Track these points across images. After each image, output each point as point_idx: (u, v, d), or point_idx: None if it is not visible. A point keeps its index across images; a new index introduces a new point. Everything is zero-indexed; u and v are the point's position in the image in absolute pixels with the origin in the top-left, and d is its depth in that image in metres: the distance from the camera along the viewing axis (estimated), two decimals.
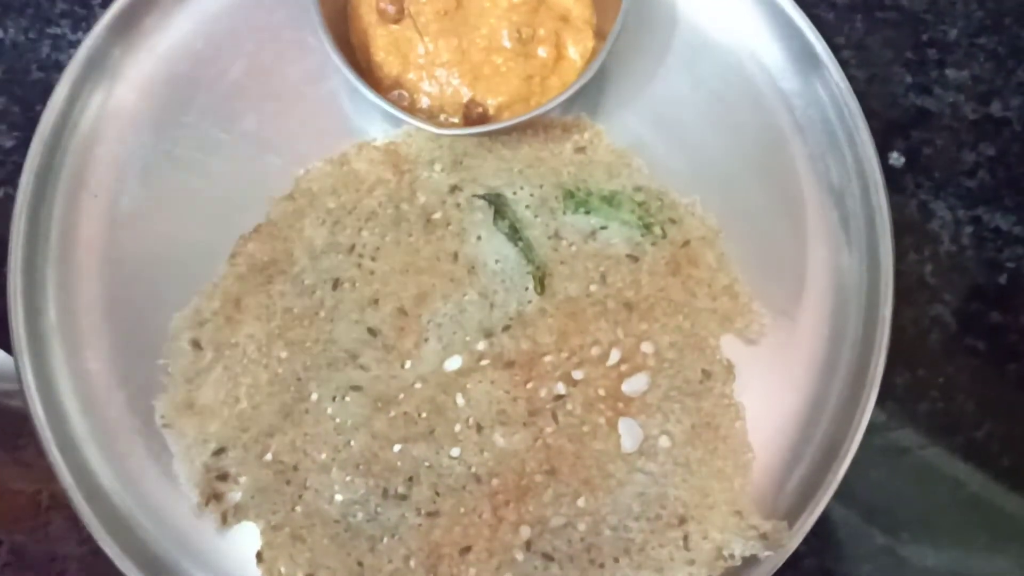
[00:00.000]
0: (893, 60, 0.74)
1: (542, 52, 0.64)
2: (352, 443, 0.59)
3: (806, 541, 0.59)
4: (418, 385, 0.60)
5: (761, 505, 0.60)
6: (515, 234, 0.63)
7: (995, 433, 0.67)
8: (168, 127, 0.66)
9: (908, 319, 0.68)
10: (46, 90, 0.64)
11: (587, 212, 0.64)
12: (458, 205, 0.64)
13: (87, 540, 0.58)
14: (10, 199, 0.62)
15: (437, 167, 0.65)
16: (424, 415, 0.60)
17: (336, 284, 0.62)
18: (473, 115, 0.64)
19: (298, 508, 0.58)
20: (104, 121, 0.65)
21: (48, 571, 0.60)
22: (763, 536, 0.58)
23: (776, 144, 0.68)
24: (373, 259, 0.63)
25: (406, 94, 0.64)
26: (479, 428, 0.59)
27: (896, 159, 0.72)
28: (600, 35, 0.65)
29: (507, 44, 0.63)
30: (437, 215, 0.64)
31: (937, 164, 0.72)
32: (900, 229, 0.65)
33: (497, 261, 0.63)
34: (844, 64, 0.67)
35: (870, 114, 0.66)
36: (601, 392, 0.60)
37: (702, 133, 0.67)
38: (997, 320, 0.69)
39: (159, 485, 0.60)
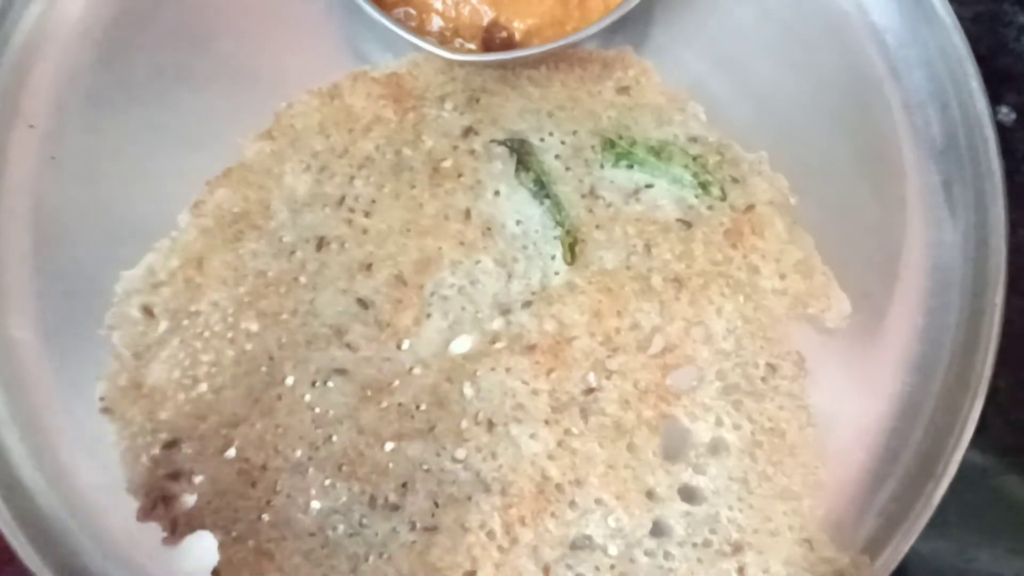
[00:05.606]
0: None
1: None
2: (334, 439, 0.56)
3: None
4: (417, 370, 0.57)
5: (836, 534, 0.57)
6: (541, 190, 0.60)
7: None
8: (122, 46, 0.62)
9: (1015, 310, 0.62)
10: None
11: (630, 166, 0.61)
12: (473, 152, 0.61)
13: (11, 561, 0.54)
14: None
15: (448, 105, 0.62)
16: (423, 407, 0.57)
17: (321, 244, 0.59)
18: (495, 41, 0.61)
19: (265, 517, 0.55)
20: (44, 36, 0.62)
21: None
22: (838, 573, 0.56)
23: (864, 90, 0.64)
24: (367, 215, 0.60)
25: (414, 12, 0.61)
26: (490, 425, 0.57)
27: (1006, 114, 0.68)
28: None
29: None
30: (447, 163, 0.61)
31: None
32: (1008, 200, 0.61)
33: (518, 222, 0.60)
34: None
35: (975, 60, 0.62)
36: (641, 386, 0.57)
37: (772, 74, 0.64)
38: None
39: (95, 484, 0.56)
